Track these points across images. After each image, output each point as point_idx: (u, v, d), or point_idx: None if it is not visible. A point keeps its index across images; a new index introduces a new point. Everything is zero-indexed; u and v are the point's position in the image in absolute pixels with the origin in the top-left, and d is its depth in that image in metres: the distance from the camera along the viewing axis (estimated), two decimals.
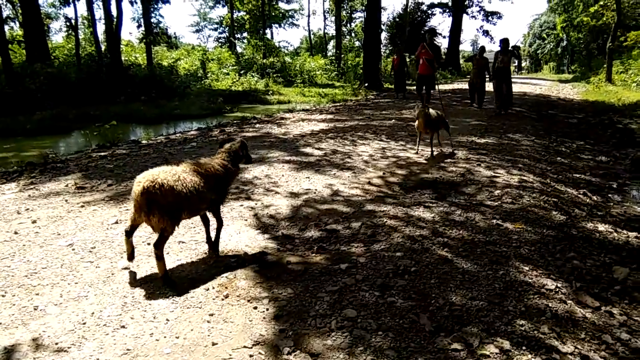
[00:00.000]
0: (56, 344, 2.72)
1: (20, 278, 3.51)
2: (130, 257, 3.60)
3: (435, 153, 7.82)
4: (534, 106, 16.62)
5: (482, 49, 15.21)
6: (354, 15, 52.46)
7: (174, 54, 35.26)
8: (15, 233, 4.43)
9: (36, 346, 2.69)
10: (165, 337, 2.81)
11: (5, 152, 10.21)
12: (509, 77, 13.49)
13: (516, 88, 19.59)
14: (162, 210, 3.28)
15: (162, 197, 3.24)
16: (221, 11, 58.35)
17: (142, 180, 3.25)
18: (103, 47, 25.88)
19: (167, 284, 3.39)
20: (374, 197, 5.53)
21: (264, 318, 3.00)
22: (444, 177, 6.35)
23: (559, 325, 2.93)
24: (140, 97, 18.04)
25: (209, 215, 3.95)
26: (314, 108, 17.44)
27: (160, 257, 3.36)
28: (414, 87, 15.09)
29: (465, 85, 20.23)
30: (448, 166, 6.98)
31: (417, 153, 7.95)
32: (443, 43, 48.23)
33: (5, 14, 31.95)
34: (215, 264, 3.76)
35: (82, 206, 5.27)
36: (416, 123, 7.62)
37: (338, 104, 18.93)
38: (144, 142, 10.13)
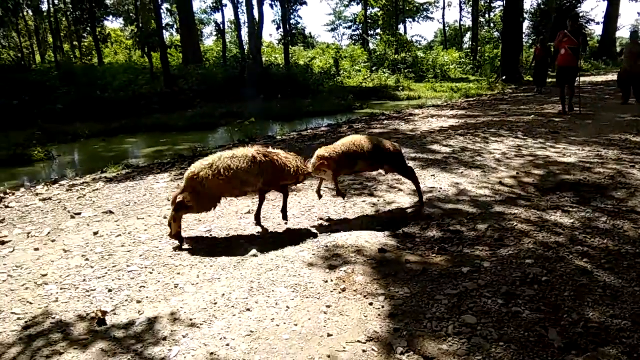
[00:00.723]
0: (190, 319, 3.02)
1: (165, 258, 3.96)
2: None
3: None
4: None
5: (634, 34, 13.15)
6: (493, 4, 49.31)
7: (310, 53, 36.62)
8: (164, 218, 4.99)
9: (173, 320, 3.02)
10: (284, 323, 2.96)
11: (161, 145, 11.55)
12: None
13: None
14: None
15: None
16: (355, 9, 58.95)
17: None
18: (246, 49, 27.86)
19: None
20: (505, 198, 5.20)
21: (378, 315, 3.00)
22: (589, 179, 5.73)
23: None
24: (277, 95, 19.07)
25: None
26: (445, 103, 16.89)
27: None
28: (555, 80, 12.90)
29: None
30: (594, 167, 6.29)
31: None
32: (596, 30, 43.32)
33: (164, 21, 35.99)
34: (334, 257, 3.85)
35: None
36: None
37: (471, 98, 18.10)
38: (278, 137, 10.72)
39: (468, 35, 49.49)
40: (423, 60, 32.87)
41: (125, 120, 14.35)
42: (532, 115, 11.67)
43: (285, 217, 4.62)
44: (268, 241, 4.25)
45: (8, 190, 6.57)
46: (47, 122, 13.25)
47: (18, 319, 3.06)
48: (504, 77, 23.16)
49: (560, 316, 2.87)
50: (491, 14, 50.39)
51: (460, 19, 52.37)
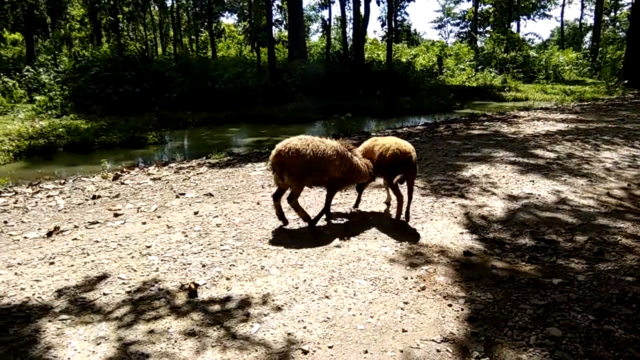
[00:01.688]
0: (273, 300, 3.19)
1: (255, 241, 4.20)
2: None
3: None
4: None
5: None
6: (620, 1, 44.99)
7: (413, 50, 35.99)
8: (258, 204, 5.28)
9: (257, 299, 3.20)
10: (361, 314, 3.02)
11: (261, 136, 12.11)
12: None
13: None
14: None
15: None
16: (465, 5, 56.95)
17: None
18: (350, 45, 28.10)
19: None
20: (611, 210, 4.80)
21: (457, 317, 2.96)
22: None
23: None
24: (376, 92, 19.06)
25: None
26: (555, 107, 15.79)
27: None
28: None
29: None
30: None
31: None
32: None
33: (274, 17, 37.38)
34: (416, 255, 3.83)
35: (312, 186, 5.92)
36: None
37: (585, 103, 16.76)
38: (372, 134, 10.74)
39: (589, 35, 45.76)
40: (535, 60, 30.93)
41: (231, 110, 15.22)
42: None
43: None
44: (352, 234, 4.33)
45: (125, 169, 7.31)
46: (163, 109, 14.47)
47: (123, 283, 3.44)
48: (625, 81, 21.10)
49: None
50: (617, 12, 45.95)
51: (582, 17, 48.60)
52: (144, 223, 4.69)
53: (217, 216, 4.86)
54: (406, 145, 4.46)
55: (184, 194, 5.70)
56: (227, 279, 3.49)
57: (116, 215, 4.97)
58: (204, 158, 8.33)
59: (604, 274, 3.42)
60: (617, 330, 2.74)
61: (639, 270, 3.45)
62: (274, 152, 4.25)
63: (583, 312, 2.95)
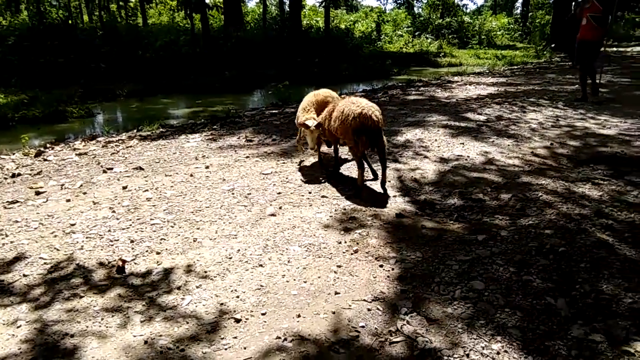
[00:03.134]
0: (205, 272, 3.14)
1: (187, 214, 4.09)
2: None
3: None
4: None
5: None
6: None
7: (352, 16, 35.78)
8: (191, 176, 5.13)
9: (189, 271, 3.14)
10: (294, 280, 3.03)
11: (196, 106, 11.73)
12: None
13: None
14: None
15: None
16: None
17: None
18: (287, 11, 27.49)
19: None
20: (534, 168, 5.05)
21: (387, 277, 3.03)
22: (628, 152, 5.48)
23: None
24: (315, 59, 18.86)
25: None
26: (487, 71, 16.31)
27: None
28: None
29: None
30: (635, 140, 5.99)
31: None
32: None
33: None
34: (350, 220, 3.88)
35: (247, 157, 5.83)
36: None
37: (515, 67, 17.42)
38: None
39: (520, 0, 47.18)
40: (469, 25, 31.64)
41: (164, 80, 14.60)
42: (577, 85, 11.12)
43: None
44: (287, 202, 4.31)
45: (48, 145, 6.88)
46: (90, 80, 13.65)
47: (45, 263, 3.26)
48: (553, 45, 22.08)
49: (572, 287, 2.82)
50: None
51: None
52: (68, 200, 4.45)
53: (147, 190, 4.69)
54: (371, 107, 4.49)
55: (111, 169, 5.45)
56: (158, 253, 3.39)
57: (38, 193, 4.68)
58: (135, 131, 7.97)
59: (525, 229, 3.61)
60: (535, 280, 2.90)
61: (557, 223, 3.67)
62: None
63: (504, 264, 3.10)
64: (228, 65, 17.28)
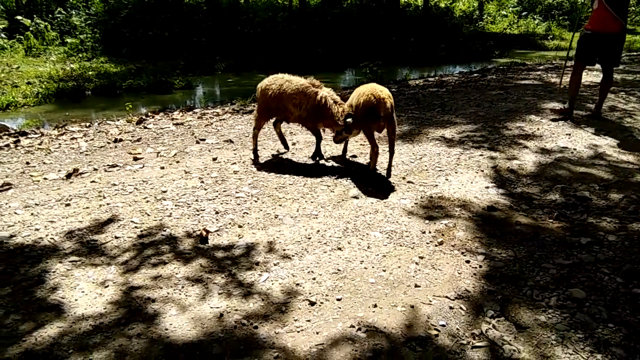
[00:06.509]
0: (284, 250, 3.11)
1: (271, 189, 4.10)
2: None
3: None
4: None
5: None
6: None
7: None
8: (277, 151, 5.15)
9: (269, 248, 3.13)
10: (373, 267, 2.92)
11: None
12: None
13: None
14: None
15: None
16: None
17: None
18: None
19: None
20: None
21: (474, 274, 2.82)
22: None
23: None
24: (411, 39, 18.23)
25: None
26: None
27: None
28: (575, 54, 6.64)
29: None
30: None
31: None
32: None
33: None
34: (436, 208, 3.67)
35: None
36: None
37: (635, 53, 15.64)
38: (410, 82, 10.31)
39: None
40: (583, 7, 28.88)
41: (260, 56, 14.88)
42: None
43: (315, 157, 4.86)
44: (371, 184, 4.18)
45: (149, 113, 7.27)
46: (191, 54, 14.26)
47: (135, 227, 3.41)
48: None
49: None
50: None
51: None
52: (162, 168, 4.65)
53: (235, 163, 4.77)
54: (382, 91, 4.09)
55: (204, 140, 5.62)
56: (240, 226, 3.43)
57: (136, 159, 4.94)
58: (228, 104, 8.19)
59: (638, 235, 3.19)
60: None
61: None
62: None
63: (611, 273, 2.76)
64: (323, 43, 17.24)
